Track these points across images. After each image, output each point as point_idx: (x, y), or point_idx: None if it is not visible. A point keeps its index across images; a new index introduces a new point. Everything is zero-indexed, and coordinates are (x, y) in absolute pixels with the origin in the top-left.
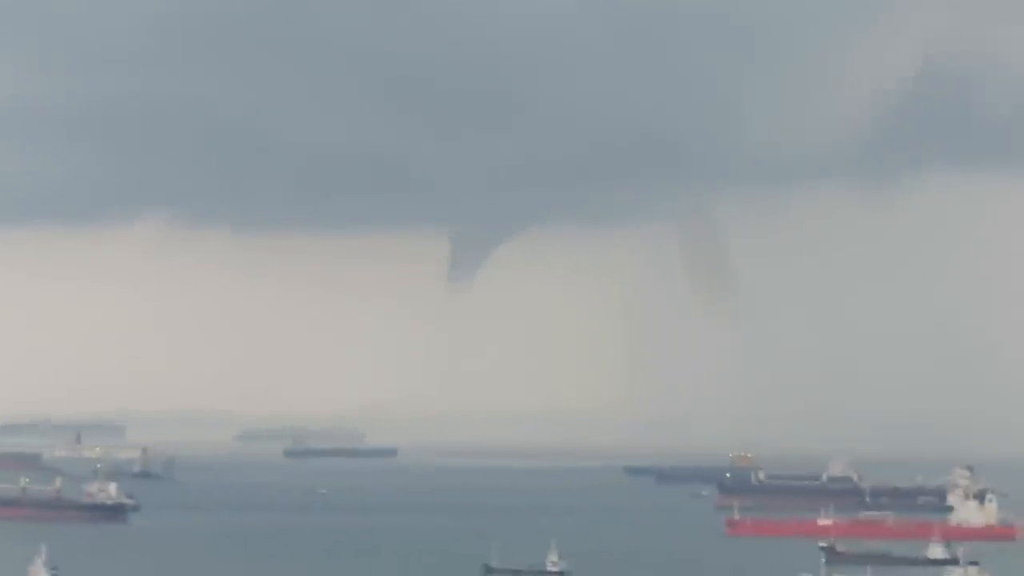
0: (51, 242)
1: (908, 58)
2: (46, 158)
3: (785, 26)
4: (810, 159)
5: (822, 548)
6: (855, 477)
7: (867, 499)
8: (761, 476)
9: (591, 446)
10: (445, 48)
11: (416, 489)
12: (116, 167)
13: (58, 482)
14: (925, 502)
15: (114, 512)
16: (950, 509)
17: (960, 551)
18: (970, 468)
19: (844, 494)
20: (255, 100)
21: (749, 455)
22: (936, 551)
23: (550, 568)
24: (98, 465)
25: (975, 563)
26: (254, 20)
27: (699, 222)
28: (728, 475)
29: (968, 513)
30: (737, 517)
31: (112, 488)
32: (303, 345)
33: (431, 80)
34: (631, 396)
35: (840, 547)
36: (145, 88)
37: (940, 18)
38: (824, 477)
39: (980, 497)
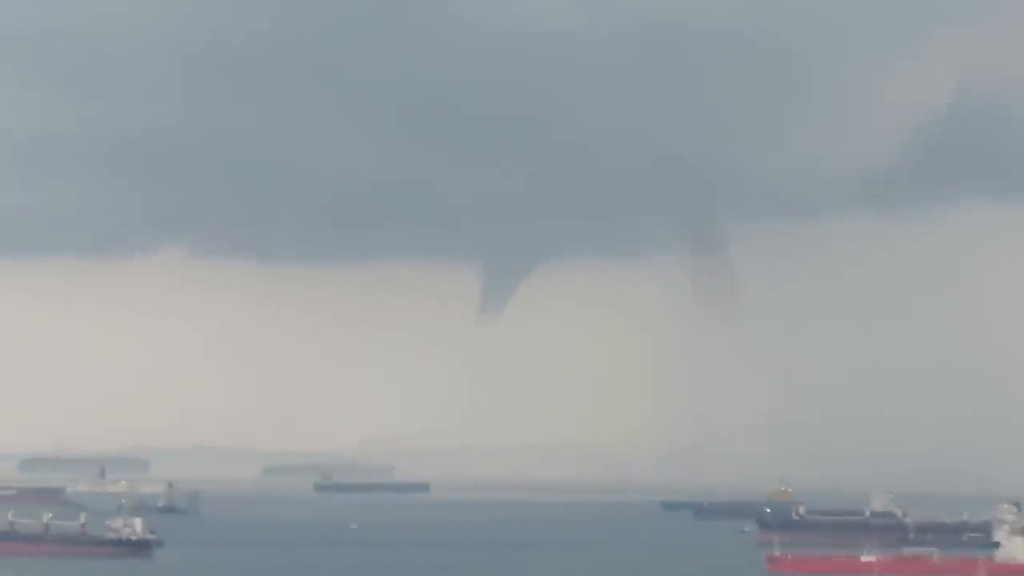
0: (74, 272)
1: (941, 86)
2: (69, 188)
3: (815, 52)
4: (836, 189)
5: None
6: (899, 512)
7: (911, 535)
8: (801, 511)
9: (623, 480)
10: (469, 76)
11: (448, 524)
12: (139, 197)
13: (82, 517)
14: (971, 538)
15: (139, 548)
16: (996, 545)
17: None
18: (1017, 504)
19: (887, 530)
20: (279, 130)
21: (788, 489)
22: None
23: None
24: (123, 500)
25: None
26: (279, 50)
27: (718, 253)
28: (768, 510)
29: (1015, 549)
30: (778, 553)
31: (137, 523)
32: (328, 378)
33: (455, 108)
34: (662, 429)
35: None
36: (169, 118)
37: (973, 45)
38: (867, 512)
39: None
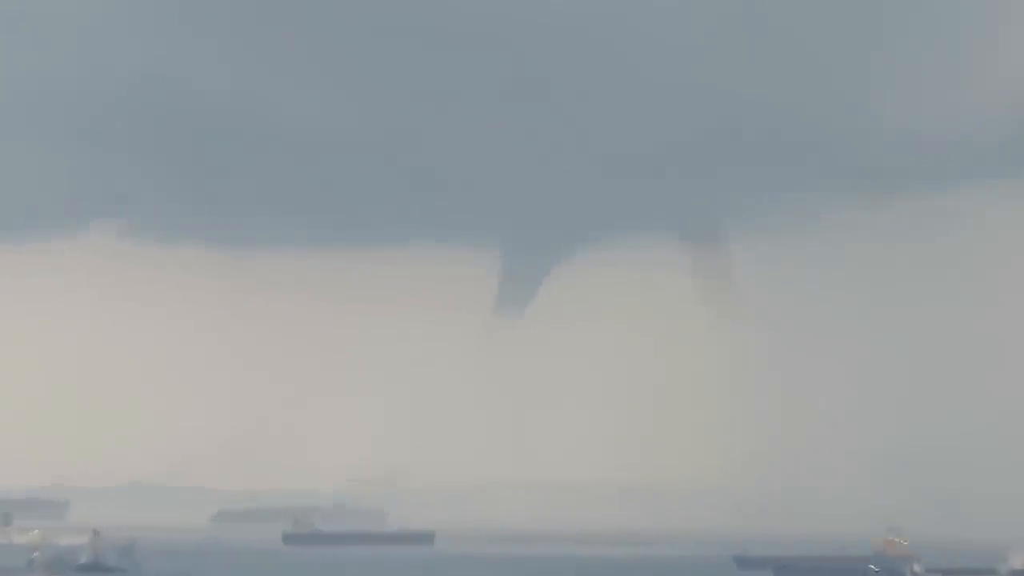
0: None
1: None
2: None
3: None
4: (943, 159)
5: None
6: None
7: None
8: (917, 568)
9: (683, 528)
10: (481, 16)
11: None
12: (63, 163)
13: None
14: None
15: None
16: None
17: None
18: None
19: None
20: (243, 81)
21: (900, 540)
22: None
23: None
24: (34, 554)
25: None
26: None
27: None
28: (874, 568)
29: None
30: None
31: None
32: (302, 396)
33: (464, 56)
34: (734, 462)
35: None
36: (101, 65)
37: None
38: (1003, 570)
39: None
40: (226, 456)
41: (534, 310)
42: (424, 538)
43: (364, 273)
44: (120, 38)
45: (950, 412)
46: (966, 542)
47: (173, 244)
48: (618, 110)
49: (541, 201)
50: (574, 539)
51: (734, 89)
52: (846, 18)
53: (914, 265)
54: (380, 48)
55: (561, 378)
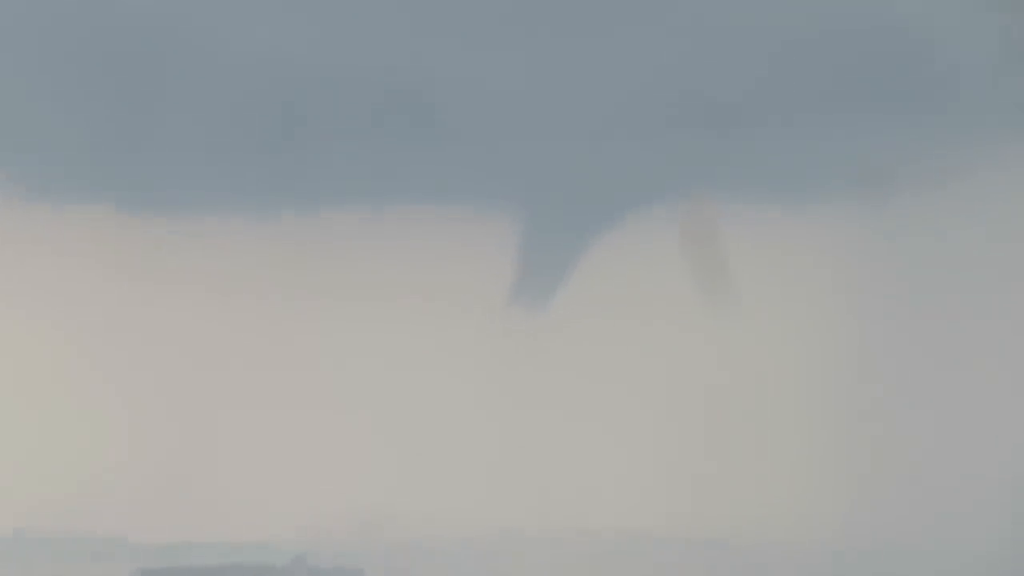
0: None
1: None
2: None
3: None
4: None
5: None
6: None
7: None
8: None
9: None
10: None
11: None
12: None
13: None
14: None
15: None
16: None
17: None
18: None
19: None
20: None
21: None
22: None
23: None
24: None
25: None
26: None
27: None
28: None
29: None
30: None
31: None
32: (251, 414)
33: None
34: (840, 508)
35: None
36: None
37: None
38: None
39: None
40: (145, 496)
41: (565, 299)
42: None
43: (336, 239)
44: None
45: None
46: None
47: (72, 202)
48: (659, 27)
49: (579, 151)
50: None
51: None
52: None
53: None
54: None
55: (597, 393)
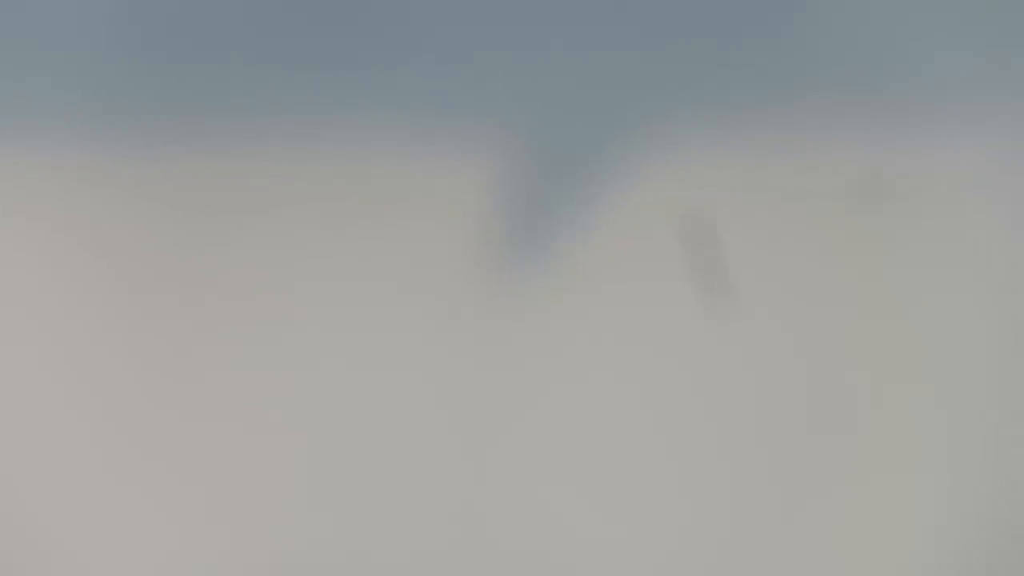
0: None
1: None
2: None
3: None
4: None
5: None
6: None
7: None
8: None
9: None
10: None
11: None
12: None
13: None
14: None
15: None
16: None
17: None
18: None
19: None
20: None
21: None
22: None
23: None
24: None
25: None
26: None
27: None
28: None
29: None
30: None
31: None
32: (188, 413)
33: None
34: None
35: None
36: None
37: None
38: None
39: None
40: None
41: (567, 266)
42: None
43: (266, 184)
44: None
45: None
46: None
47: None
48: None
49: (588, 71)
50: None
51: None
52: None
53: None
54: None
55: (589, 390)
